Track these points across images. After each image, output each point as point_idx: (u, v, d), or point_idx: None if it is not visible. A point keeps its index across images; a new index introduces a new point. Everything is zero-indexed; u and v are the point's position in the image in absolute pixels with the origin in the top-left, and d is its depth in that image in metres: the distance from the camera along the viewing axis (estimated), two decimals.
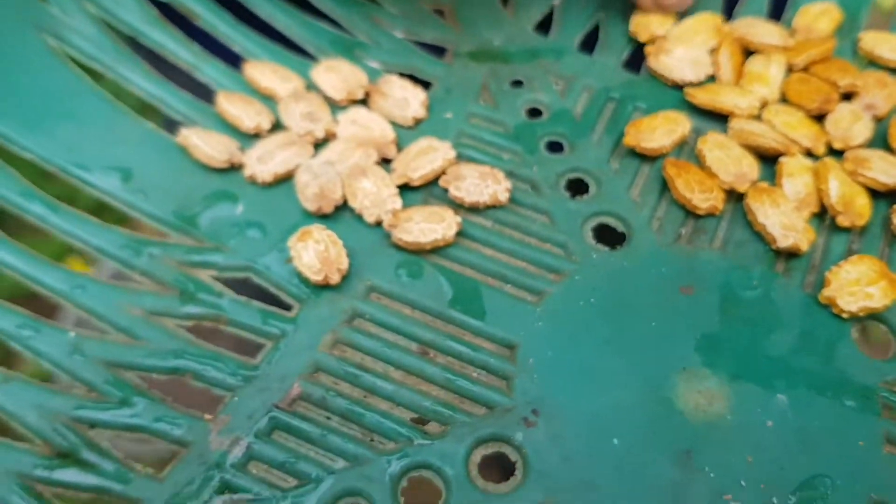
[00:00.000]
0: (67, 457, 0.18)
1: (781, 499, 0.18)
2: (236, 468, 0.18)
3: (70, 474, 0.18)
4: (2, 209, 0.22)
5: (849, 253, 0.22)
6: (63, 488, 0.18)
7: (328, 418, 0.19)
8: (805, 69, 0.26)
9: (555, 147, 0.24)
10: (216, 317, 0.21)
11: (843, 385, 0.20)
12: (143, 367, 0.20)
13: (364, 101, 0.25)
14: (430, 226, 0.21)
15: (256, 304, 0.21)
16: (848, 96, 0.25)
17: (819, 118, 0.25)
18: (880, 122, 0.25)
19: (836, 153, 0.24)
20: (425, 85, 0.25)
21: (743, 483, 0.18)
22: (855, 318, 0.21)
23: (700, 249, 0.22)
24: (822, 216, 0.23)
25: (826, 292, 0.21)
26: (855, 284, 0.21)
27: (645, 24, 0.27)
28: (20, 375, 0.19)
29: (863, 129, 0.24)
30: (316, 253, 0.21)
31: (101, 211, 0.22)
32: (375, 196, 0.22)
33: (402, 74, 0.25)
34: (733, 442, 0.19)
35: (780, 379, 0.20)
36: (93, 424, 0.19)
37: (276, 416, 0.19)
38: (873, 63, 0.27)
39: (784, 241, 0.22)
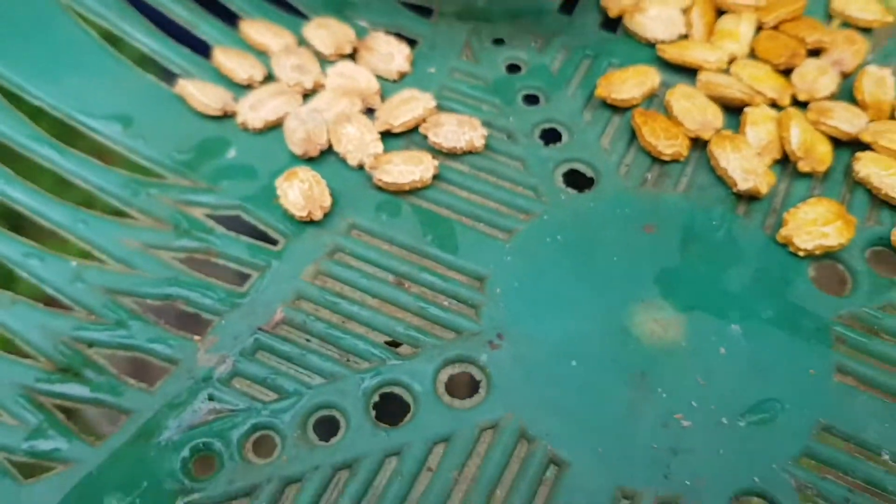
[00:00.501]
0: (67, 371, 0.20)
1: (731, 419, 0.19)
2: (221, 383, 0.20)
3: (69, 387, 0.20)
4: (13, 150, 0.23)
5: (810, 198, 0.23)
6: (62, 399, 0.20)
7: (308, 340, 0.21)
8: (775, 27, 0.27)
9: (531, 100, 0.26)
10: (207, 250, 0.22)
11: (797, 318, 0.21)
12: (138, 293, 0.21)
13: (352, 56, 0.26)
14: (408, 168, 0.23)
15: (245, 238, 0.22)
16: (816, 53, 0.27)
17: (786, 73, 0.26)
18: (847, 77, 0.26)
19: (802, 105, 0.25)
20: (411, 42, 0.27)
21: (694, 404, 0.20)
22: (811, 256, 0.22)
23: (664, 193, 0.23)
24: (786, 163, 0.24)
25: (783, 231, 0.22)
26: (812, 224, 0.22)
27: None
28: (25, 299, 0.21)
29: (828, 83, 0.25)
30: (300, 191, 0.22)
31: (104, 154, 0.24)
32: (359, 141, 0.23)
33: (389, 32, 0.27)
34: (686, 366, 0.20)
35: (734, 310, 0.21)
36: (91, 344, 0.21)
37: (260, 338, 0.20)
38: (845, 24, 0.28)
39: (744, 184, 0.23)
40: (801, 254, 0.22)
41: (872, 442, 0.19)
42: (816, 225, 0.22)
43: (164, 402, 0.20)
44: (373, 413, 0.20)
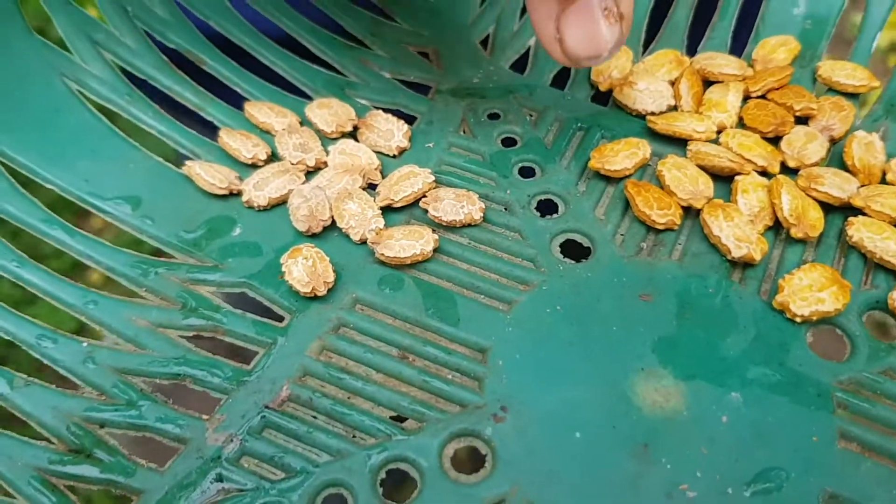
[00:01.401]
0: (79, 453, 0.20)
1: (737, 489, 0.20)
2: (230, 462, 0.20)
3: (81, 468, 0.20)
4: (26, 233, 0.24)
5: (803, 263, 0.24)
6: (75, 481, 0.20)
7: (314, 417, 0.21)
8: (763, 96, 0.28)
9: (527, 172, 0.26)
10: (214, 328, 0.23)
11: (797, 384, 0.21)
12: (147, 373, 0.22)
13: (353, 134, 0.27)
14: (409, 242, 0.23)
15: (251, 315, 0.23)
16: (805, 121, 0.27)
17: (775, 141, 0.27)
18: (836, 143, 0.27)
19: (792, 172, 0.26)
20: (410, 119, 0.28)
21: (699, 474, 0.20)
22: (808, 322, 0.23)
23: (659, 261, 0.24)
24: (779, 230, 0.25)
25: (779, 298, 0.23)
26: (807, 290, 0.22)
27: (602, 71, 0.29)
28: (37, 381, 0.21)
29: (818, 149, 0.26)
30: (305, 268, 0.23)
31: (114, 234, 0.25)
32: (360, 216, 0.24)
33: (388, 110, 0.28)
34: (689, 436, 0.20)
35: (734, 378, 0.21)
36: (102, 424, 0.21)
37: (267, 416, 0.21)
38: (832, 90, 0.29)
39: (737, 252, 0.23)
40: (798, 320, 0.22)
41: None
42: (812, 291, 0.22)
43: (174, 482, 0.20)
44: (380, 490, 0.20)
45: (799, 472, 0.20)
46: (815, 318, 0.22)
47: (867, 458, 0.20)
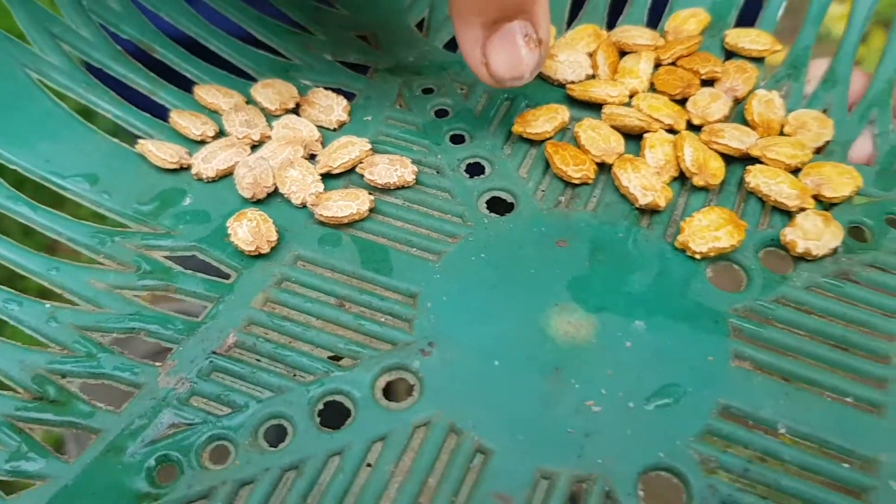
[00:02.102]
0: (43, 399, 0.22)
1: (638, 404, 0.22)
2: (180, 402, 0.22)
3: (45, 413, 0.22)
4: None
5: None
6: (39, 424, 0.22)
7: (258, 360, 0.23)
8: (673, 63, 0.30)
9: (457, 139, 0.29)
10: (166, 287, 0.25)
11: (696, 312, 0.24)
12: (105, 328, 0.24)
13: (296, 111, 0.29)
14: (346, 203, 0.25)
15: (200, 275, 0.25)
16: (711, 83, 0.30)
17: (683, 102, 0.29)
18: (740, 102, 0.29)
19: (697, 129, 0.28)
20: (349, 96, 0.30)
21: (604, 392, 0.22)
22: (707, 259, 0.25)
23: (575, 211, 0.26)
24: (684, 181, 0.27)
25: (680, 238, 0.25)
26: (705, 230, 0.25)
27: None
28: (5, 339, 0.23)
29: (721, 107, 0.28)
30: (249, 228, 0.25)
31: (74, 209, 0.27)
32: (301, 182, 0.26)
33: (329, 88, 0.30)
34: (596, 360, 0.23)
35: (639, 309, 0.24)
36: (64, 375, 0.23)
37: (214, 361, 0.23)
38: (738, 56, 0.31)
39: (644, 199, 0.25)
40: (697, 257, 0.25)
41: (768, 418, 0.22)
42: (710, 230, 0.25)
43: (130, 421, 0.22)
44: (318, 419, 0.22)
45: (695, 388, 0.22)
46: (712, 254, 0.25)
47: (758, 374, 0.22)
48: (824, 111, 0.29)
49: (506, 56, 0.24)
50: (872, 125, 0.29)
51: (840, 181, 0.26)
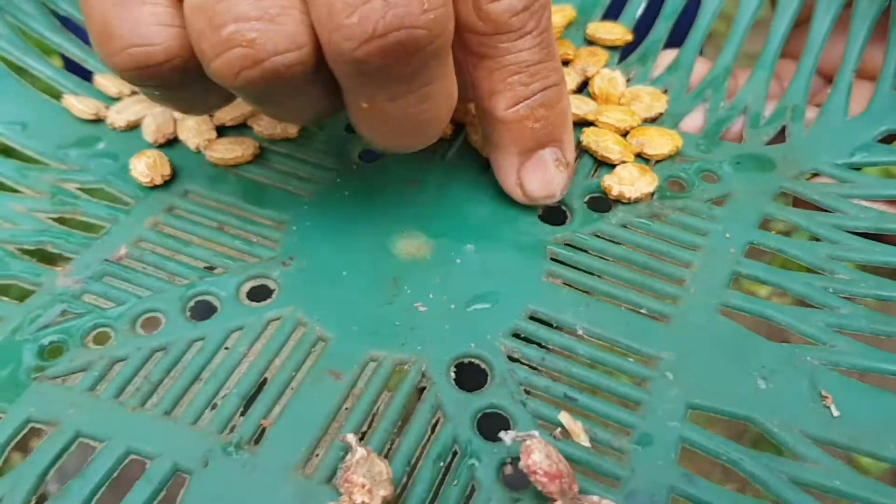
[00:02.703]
0: None
1: (459, 306, 0.26)
2: (73, 297, 0.26)
3: None
4: None
5: None
6: None
7: (143, 268, 0.27)
8: None
9: None
10: (74, 211, 0.29)
11: (521, 240, 0.28)
12: (17, 241, 0.28)
13: None
14: (233, 147, 0.30)
15: (105, 202, 0.29)
16: (566, 65, 0.34)
17: None
18: (588, 80, 0.34)
19: None
20: None
21: (431, 296, 0.26)
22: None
23: (430, 160, 0.30)
24: None
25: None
26: None
27: None
28: None
29: (569, 82, 0.33)
30: (146, 164, 0.29)
31: (6, 151, 0.31)
32: (197, 130, 0.30)
33: None
34: (428, 273, 0.27)
35: (472, 235, 0.28)
36: None
37: (106, 267, 0.27)
38: (595, 44, 0.36)
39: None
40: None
41: (569, 321, 0.25)
42: None
43: (29, 311, 0.26)
44: (188, 314, 0.26)
45: (509, 296, 0.26)
46: None
47: (565, 288, 0.26)
48: (665, 91, 0.34)
49: (539, 180, 0.28)
50: (706, 102, 0.34)
51: (661, 141, 0.31)
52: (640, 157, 0.31)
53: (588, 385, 0.24)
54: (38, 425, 0.23)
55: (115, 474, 0.22)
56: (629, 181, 0.29)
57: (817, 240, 0.28)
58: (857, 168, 0.31)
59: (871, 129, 0.32)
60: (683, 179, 0.30)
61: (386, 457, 0.22)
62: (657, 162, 0.31)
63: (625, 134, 0.31)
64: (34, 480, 0.22)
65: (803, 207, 0.30)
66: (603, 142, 0.30)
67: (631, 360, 0.25)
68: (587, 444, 0.23)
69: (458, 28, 0.23)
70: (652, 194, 0.29)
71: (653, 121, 0.32)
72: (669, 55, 0.36)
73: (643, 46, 0.36)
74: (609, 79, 0.33)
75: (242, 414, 0.23)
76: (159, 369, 0.24)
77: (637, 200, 0.29)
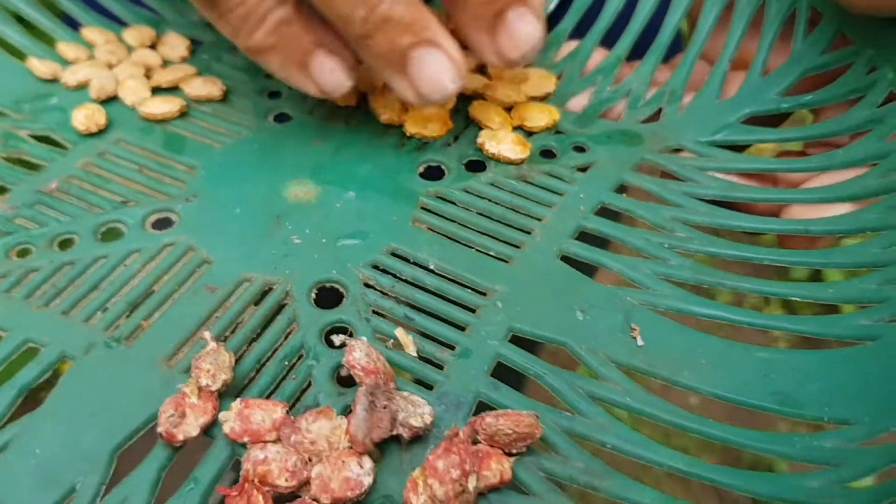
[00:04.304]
0: None
1: (330, 240, 0.30)
2: (7, 220, 0.30)
3: None
4: None
5: None
6: None
7: (69, 199, 0.31)
8: None
9: (269, 75, 0.37)
10: (19, 151, 0.33)
11: (398, 192, 0.32)
12: None
13: (153, 47, 0.38)
14: (163, 104, 0.34)
15: (47, 146, 0.34)
16: None
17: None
18: None
19: None
20: (200, 43, 0.39)
21: (307, 231, 0.30)
22: (420, 153, 0.33)
23: (334, 123, 0.35)
24: None
25: (406, 124, 0.33)
26: (420, 118, 0.33)
27: None
28: None
29: (468, 63, 0.37)
30: (84, 115, 0.34)
31: None
32: (134, 89, 0.35)
33: (182, 34, 0.39)
34: (310, 214, 0.31)
35: (355, 184, 0.32)
36: None
37: (38, 197, 0.31)
38: None
39: (383, 117, 0.34)
40: (408, 134, 0.33)
41: (423, 258, 0.29)
42: (423, 119, 0.33)
43: None
44: (99, 237, 0.30)
45: (377, 235, 0.30)
46: (418, 136, 0.33)
47: (427, 232, 0.30)
48: (559, 76, 0.37)
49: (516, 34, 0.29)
50: (595, 86, 0.37)
51: (539, 115, 0.34)
52: (521, 129, 0.34)
53: (427, 309, 0.28)
54: None
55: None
56: (502, 140, 0.33)
57: (666, 204, 0.31)
58: (718, 146, 0.34)
59: (737, 111, 0.35)
60: (555, 148, 0.34)
61: (241, 356, 0.26)
62: (535, 134, 0.34)
63: (510, 109, 0.35)
64: None
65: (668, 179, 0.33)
66: (486, 112, 0.34)
67: (469, 290, 0.28)
68: (414, 354, 0.26)
69: None
70: (524, 160, 0.33)
71: (541, 99, 0.36)
72: (572, 45, 0.39)
73: (549, 36, 0.40)
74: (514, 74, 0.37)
75: (128, 317, 0.27)
76: (66, 279, 0.28)
77: (509, 162, 0.33)
